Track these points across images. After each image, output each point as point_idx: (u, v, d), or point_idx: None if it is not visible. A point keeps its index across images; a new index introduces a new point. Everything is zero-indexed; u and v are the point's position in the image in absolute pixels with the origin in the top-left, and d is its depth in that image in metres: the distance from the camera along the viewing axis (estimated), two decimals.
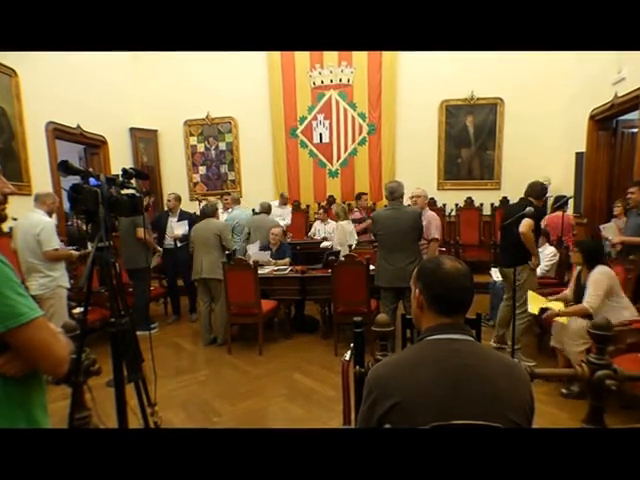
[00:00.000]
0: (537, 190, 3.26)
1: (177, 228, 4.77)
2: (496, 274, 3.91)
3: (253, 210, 6.02)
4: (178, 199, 4.95)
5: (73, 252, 3.55)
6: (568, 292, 3.11)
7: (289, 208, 6.51)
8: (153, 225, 4.99)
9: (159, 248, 4.67)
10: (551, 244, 4.23)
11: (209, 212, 4.25)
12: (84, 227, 4.38)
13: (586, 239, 3.03)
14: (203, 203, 4.94)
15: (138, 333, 1.72)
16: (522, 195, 3.38)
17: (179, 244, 4.74)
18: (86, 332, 1.67)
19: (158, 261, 4.97)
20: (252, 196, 6.94)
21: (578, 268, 3.02)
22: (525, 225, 2.96)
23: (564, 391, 2.82)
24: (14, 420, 0.91)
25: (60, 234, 3.99)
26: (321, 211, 6.10)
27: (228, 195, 5.84)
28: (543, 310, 3.02)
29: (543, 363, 3.20)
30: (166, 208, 5.13)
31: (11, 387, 0.90)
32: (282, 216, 6.07)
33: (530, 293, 3.15)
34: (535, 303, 3.08)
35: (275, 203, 6.28)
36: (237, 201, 5.75)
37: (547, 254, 4.14)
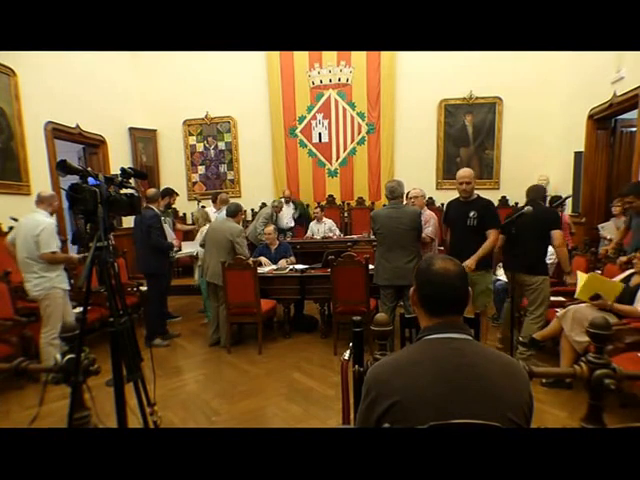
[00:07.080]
0: (542, 191, 3.36)
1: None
2: (502, 275, 3.84)
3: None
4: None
5: (74, 256, 3.49)
6: None
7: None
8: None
9: None
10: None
11: (230, 212, 4.04)
12: (84, 227, 4.26)
13: None
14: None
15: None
16: (525, 198, 3.35)
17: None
18: (85, 332, 1.66)
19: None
20: (251, 196, 6.95)
21: (628, 272, 2.95)
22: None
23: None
24: None
25: (60, 233, 3.97)
26: (318, 210, 6.09)
27: (216, 196, 5.74)
28: (592, 298, 2.90)
29: (543, 363, 3.20)
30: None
31: None
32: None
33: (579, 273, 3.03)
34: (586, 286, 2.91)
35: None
36: (225, 201, 5.63)
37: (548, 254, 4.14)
